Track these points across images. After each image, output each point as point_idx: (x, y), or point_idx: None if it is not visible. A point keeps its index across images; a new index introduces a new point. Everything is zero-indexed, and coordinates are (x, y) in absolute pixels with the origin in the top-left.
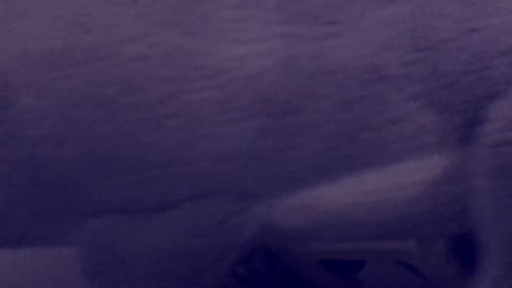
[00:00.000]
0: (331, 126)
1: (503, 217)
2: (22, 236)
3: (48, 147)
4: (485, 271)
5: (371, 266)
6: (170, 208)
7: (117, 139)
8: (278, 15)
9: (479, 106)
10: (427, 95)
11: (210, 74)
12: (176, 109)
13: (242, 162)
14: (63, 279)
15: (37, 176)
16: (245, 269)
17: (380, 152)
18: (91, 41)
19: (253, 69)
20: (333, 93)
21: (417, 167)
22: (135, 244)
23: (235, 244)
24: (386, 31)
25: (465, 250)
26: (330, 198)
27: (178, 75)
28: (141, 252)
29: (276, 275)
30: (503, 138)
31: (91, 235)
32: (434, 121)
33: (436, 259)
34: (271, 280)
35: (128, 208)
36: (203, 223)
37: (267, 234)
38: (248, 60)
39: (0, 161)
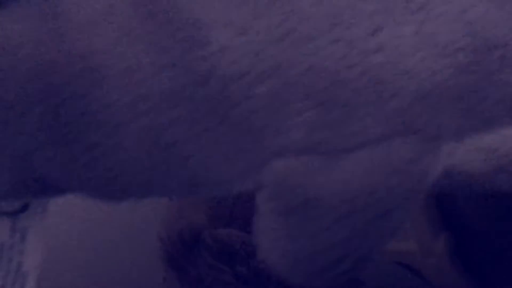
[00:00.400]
0: None
1: None
2: (202, 179)
3: (240, 86)
4: None
5: (371, 266)
6: (360, 148)
7: (313, 77)
8: None
9: None
10: None
11: (417, 7)
12: (379, 44)
13: (437, 100)
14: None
15: (224, 115)
16: (246, 269)
17: None
18: None
19: (463, 3)
20: None
21: None
22: (322, 185)
23: (423, 184)
24: None
25: (465, 251)
26: None
27: (383, 9)
28: (328, 192)
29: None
30: None
31: (277, 176)
32: None
33: (436, 260)
34: (271, 280)
35: (315, 148)
36: (393, 163)
37: (448, 177)
38: None
39: (186, 100)
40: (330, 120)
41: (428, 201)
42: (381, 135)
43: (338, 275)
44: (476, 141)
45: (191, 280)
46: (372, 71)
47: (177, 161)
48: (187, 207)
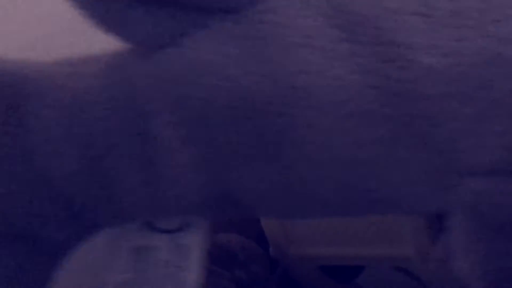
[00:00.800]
0: None
1: None
2: (393, 198)
3: (444, 108)
4: None
5: (370, 271)
6: None
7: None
8: None
9: None
10: None
11: None
12: None
13: None
14: None
15: (424, 136)
16: (244, 272)
17: None
18: None
19: None
20: None
21: None
22: None
23: None
24: None
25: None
26: None
27: None
28: None
29: (276, 279)
30: None
31: (474, 196)
32: None
33: (435, 265)
34: (270, 284)
35: (509, 170)
36: None
37: None
38: None
39: (387, 120)
40: None
41: None
42: None
43: None
44: None
45: None
46: None
47: (372, 180)
48: None
